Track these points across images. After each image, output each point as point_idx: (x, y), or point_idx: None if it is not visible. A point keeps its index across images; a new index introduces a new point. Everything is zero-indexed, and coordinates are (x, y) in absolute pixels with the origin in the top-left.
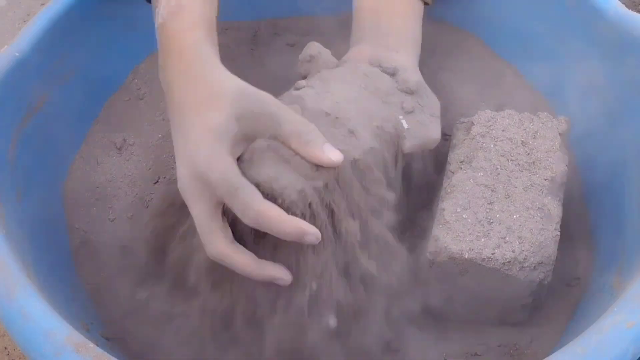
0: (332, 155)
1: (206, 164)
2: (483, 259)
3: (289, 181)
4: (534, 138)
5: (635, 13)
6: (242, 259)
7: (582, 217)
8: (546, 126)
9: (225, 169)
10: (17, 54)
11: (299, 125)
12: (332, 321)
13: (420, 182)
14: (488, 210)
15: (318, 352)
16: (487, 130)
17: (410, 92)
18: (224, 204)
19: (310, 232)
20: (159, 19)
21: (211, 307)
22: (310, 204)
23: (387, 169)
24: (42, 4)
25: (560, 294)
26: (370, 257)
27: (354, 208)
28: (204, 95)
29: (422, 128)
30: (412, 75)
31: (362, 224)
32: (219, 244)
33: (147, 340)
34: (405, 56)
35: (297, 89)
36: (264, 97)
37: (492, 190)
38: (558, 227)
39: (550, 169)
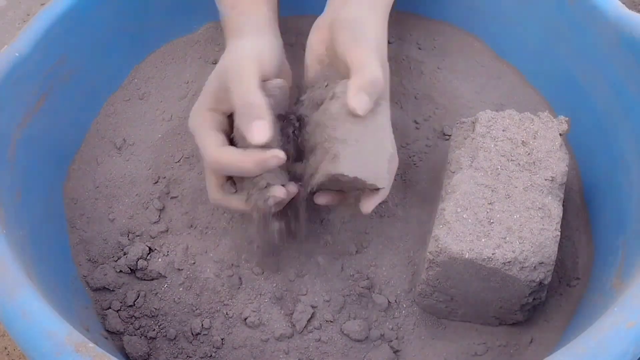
0: (256, 135)
1: (191, 112)
2: (483, 259)
3: None
4: (534, 138)
5: (635, 13)
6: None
7: (582, 217)
8: (546, 126)
9: (193, 118)
10: (17, 54)
11: (240, 104)
12: None
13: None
14: (488, 210)
15: None
16: (487, 130)
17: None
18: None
19: (268, 155)
20: None
21: None
22: None
23: None
24: (42, 4)
25: (560, 294)
26: None
27: None
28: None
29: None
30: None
31: None
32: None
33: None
34: (359, 7)
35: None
36: (236, 69)
37: (492, 190)
38: (558, 227)
39: (551, 169)
